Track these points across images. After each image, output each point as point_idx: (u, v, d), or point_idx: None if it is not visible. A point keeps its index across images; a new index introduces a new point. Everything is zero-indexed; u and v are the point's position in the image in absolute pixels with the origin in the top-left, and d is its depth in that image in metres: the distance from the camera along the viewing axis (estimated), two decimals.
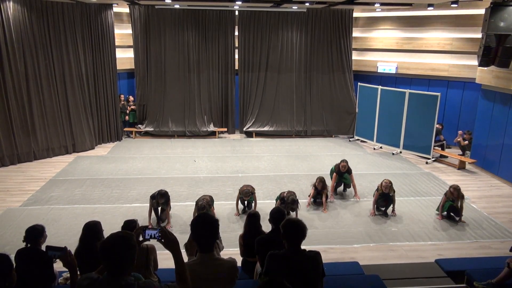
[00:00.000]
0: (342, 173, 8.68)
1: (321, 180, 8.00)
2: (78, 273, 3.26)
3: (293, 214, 7.43)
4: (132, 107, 13.94)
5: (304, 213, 7.87)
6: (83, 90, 11.87)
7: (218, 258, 2.96)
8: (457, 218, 7.64)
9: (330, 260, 5.84)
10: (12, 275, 3.37)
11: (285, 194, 7.46)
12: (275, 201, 7.80)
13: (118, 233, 2.47)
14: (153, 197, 7.22)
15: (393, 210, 7.90)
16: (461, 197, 7.57)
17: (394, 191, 7.87)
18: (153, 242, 2.71)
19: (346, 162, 8.66)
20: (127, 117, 13.88)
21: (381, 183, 7.84)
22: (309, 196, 8.25)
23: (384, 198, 7.84)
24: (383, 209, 7.96)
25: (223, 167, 10.68)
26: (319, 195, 8.19)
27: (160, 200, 7.17)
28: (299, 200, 7.48)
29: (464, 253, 6.48)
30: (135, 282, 2.39)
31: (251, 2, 12.31)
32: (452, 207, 7.60)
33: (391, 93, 12.30)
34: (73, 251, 3.26)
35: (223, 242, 4.46)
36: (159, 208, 7.40)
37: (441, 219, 7.67)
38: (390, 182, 7.81)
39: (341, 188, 9.03)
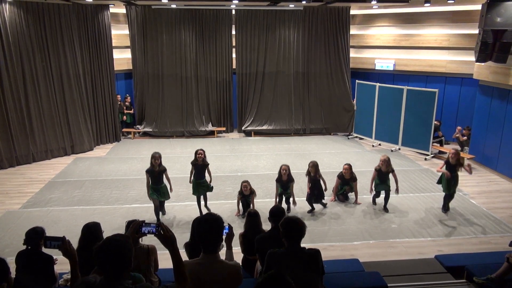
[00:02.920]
0: (346, 181, 8.27)
1: (314, 165, 7.69)
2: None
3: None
4: (128, 111, 13.90)
5: (303, 211, 7.89)
6: (80, 91, 11.86)
7: (221, 261, 2.91)
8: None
9: (330, 257, 5.84)
10: (9, 278, 3.37)
11: (282, 170, 7.53)
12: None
13: (113, 236, 2.43)
14: (148, 171, 7.14)
15: (396, 189, 7.82)
16: (460, 164, 7.51)
17: (393, 169, 7.83)
18: (153, 242, 2.70)
19: (350, 166, 8.23)
20: (124, 117, 13.88)
21: (380, 160, 7.84)
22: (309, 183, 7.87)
23: (382, 177, 7.80)
24: (382, 202, 7.99)
25: (222, 167, 10.68)
26: (316, 184, 7.77)
27: (156, 162, 7.06)
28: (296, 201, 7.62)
29: (464, 248, 6.49)
30: (132, 286, 2.37)
31: (248, 1, 12.30)
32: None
33: (389, 90, 12.31)
34: None
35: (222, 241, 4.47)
36: (162, 192, 7.29)
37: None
38: (388, 158, 7.80)
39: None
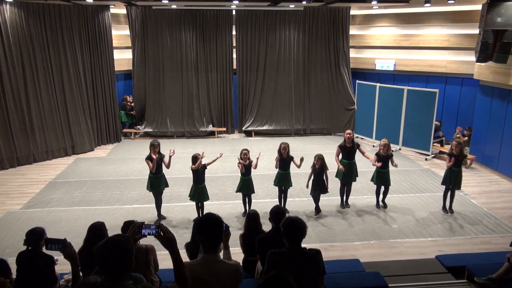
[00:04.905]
0: (349, 149, 7.70)
1: (320, 158, 7.47)
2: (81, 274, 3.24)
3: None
4: (130, 112, 13.93)
5: (304, 211, 7.88)
6: (81, 91, 11.87)
7: (222, 261, 2.92)
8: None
9: (331, 257, 5.85)
10: (10, 279, 3.37)
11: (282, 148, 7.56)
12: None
13: (114, 237, 2.42)
14: (148, 158, 7.20)
15: (392, 162, 7.83)
16: (464, 155, 7.47)
17: (392, 154, 7.87)
18: (153, 242, 2.69)
19: (352, 132, 7.93)
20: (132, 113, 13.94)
21: (380, 144, 7.84)
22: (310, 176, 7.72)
23: (383, 161, 7.78)
24: (381, 197, 8.08)
25: (223, 167, 10.68)
26: (319, 179, 7.54)
27: (155, 151, 7.13)
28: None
29: (465, 248, 6.49)
30: (133, 287, 2.37)
31: (248, 1, 12.30)
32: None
33: (389, 90, 12.31)
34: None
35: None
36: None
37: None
38: (388, 141, 7.81)
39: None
